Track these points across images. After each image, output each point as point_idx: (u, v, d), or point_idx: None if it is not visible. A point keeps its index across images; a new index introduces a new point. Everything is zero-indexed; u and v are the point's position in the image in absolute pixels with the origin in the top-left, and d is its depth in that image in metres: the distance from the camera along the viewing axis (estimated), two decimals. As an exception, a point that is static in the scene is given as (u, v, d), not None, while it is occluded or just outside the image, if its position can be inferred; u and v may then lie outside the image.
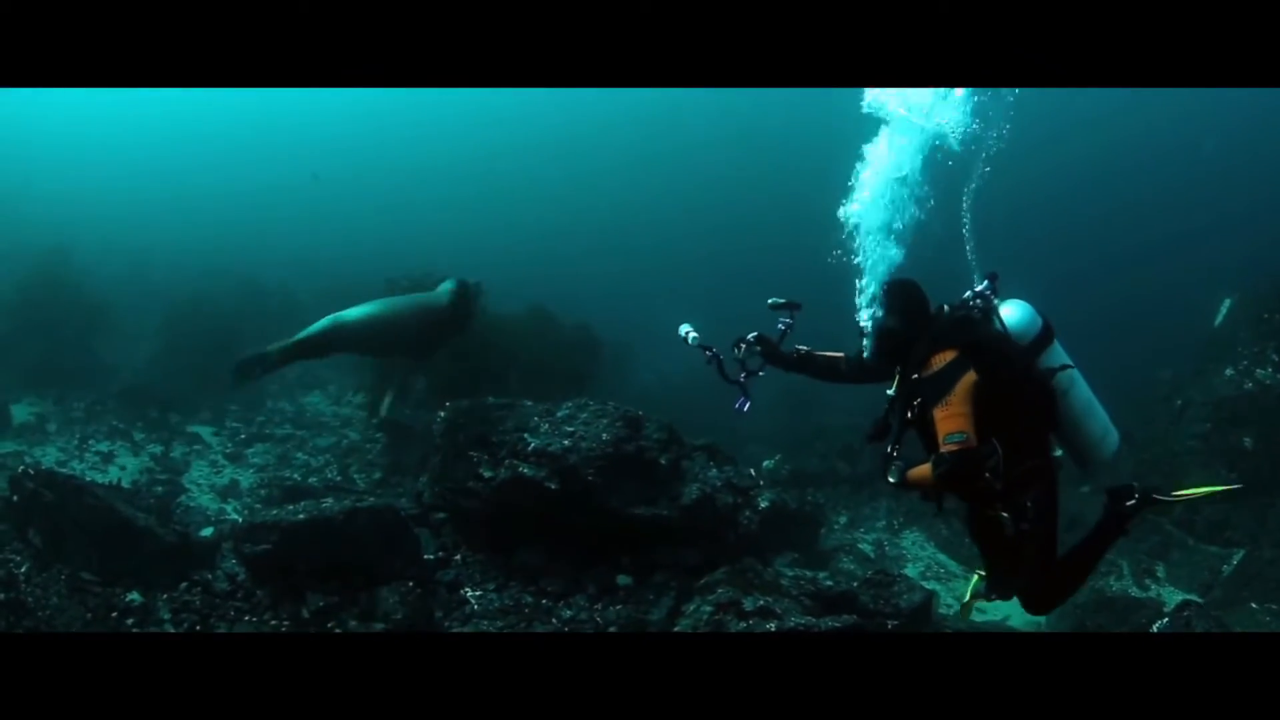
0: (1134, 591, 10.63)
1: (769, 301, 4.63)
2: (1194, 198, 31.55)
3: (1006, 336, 4.08)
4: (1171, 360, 14.47)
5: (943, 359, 3.95)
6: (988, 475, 3.86)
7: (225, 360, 14.82)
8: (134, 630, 5.82)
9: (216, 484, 11.18)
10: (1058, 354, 4.20)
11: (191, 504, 9.99)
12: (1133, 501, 4.31)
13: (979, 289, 4.23)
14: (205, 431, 12.74)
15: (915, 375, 4.01)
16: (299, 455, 12.16)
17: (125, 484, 9.99)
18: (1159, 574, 11.11)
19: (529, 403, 7.13)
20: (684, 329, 4.61)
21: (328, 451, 12.16)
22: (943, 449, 3.76)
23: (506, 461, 6.51)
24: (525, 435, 6.57)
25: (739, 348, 4.56)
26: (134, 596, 6.01)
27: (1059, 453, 4.17)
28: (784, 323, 4.61)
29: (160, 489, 10.13)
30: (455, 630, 6.18)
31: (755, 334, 4.57)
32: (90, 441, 11.52)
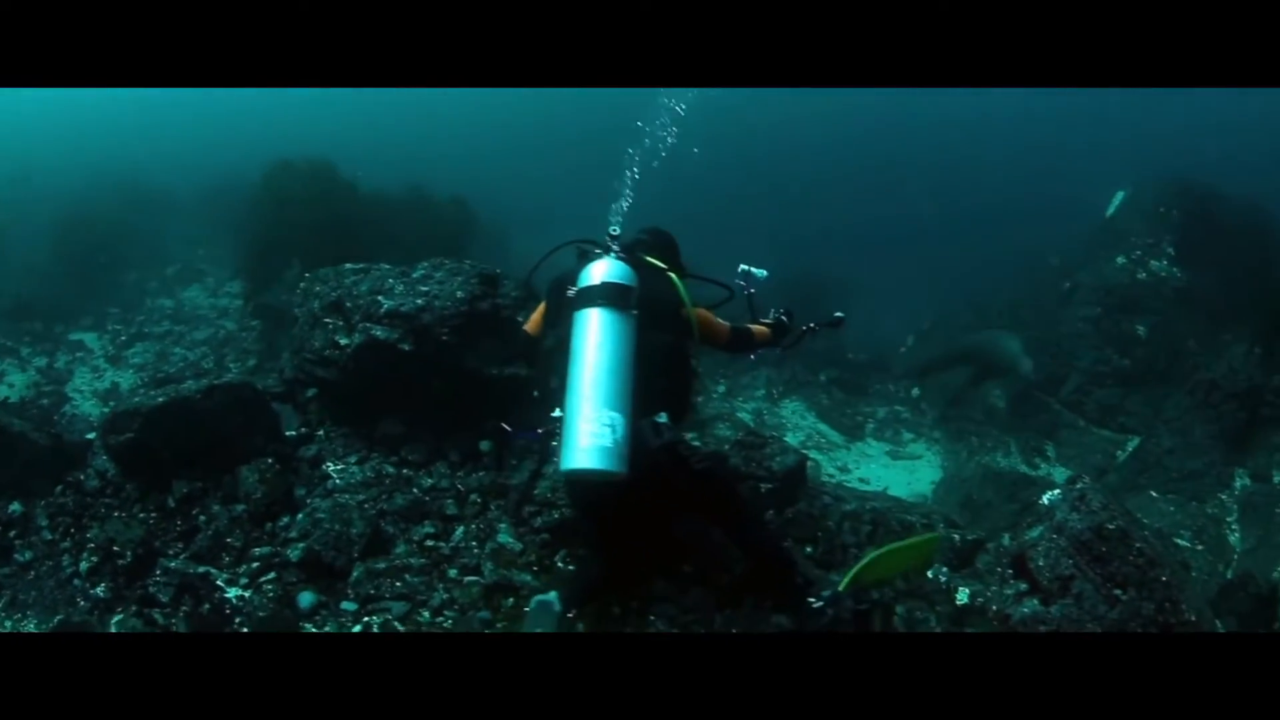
0: (1023, 469, 10.74)
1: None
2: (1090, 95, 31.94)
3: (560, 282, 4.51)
4: (1062, 248, 14.63)
5: None
6: None
7: (107, 263, 14.64)
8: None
9: (98, 389, 11.12)
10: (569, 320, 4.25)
11: (76, 412, 9.95)
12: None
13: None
14: (88, 338, 12.60)
15: None
16: (177, 350, 12.00)
17: (14, 400, 10.03)
18: (1049, 453, 11.24)
19: (386, 265, 6.78)
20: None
21: (205, 344, 11.93)
22: None
23: (360, 325, 6.18)
24: (379, 298, 6.24)
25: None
26: (15, 507, 5.88)
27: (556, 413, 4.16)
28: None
29: (45, 401, 10.10)
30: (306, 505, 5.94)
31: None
32: (-20, 362, 11.25)
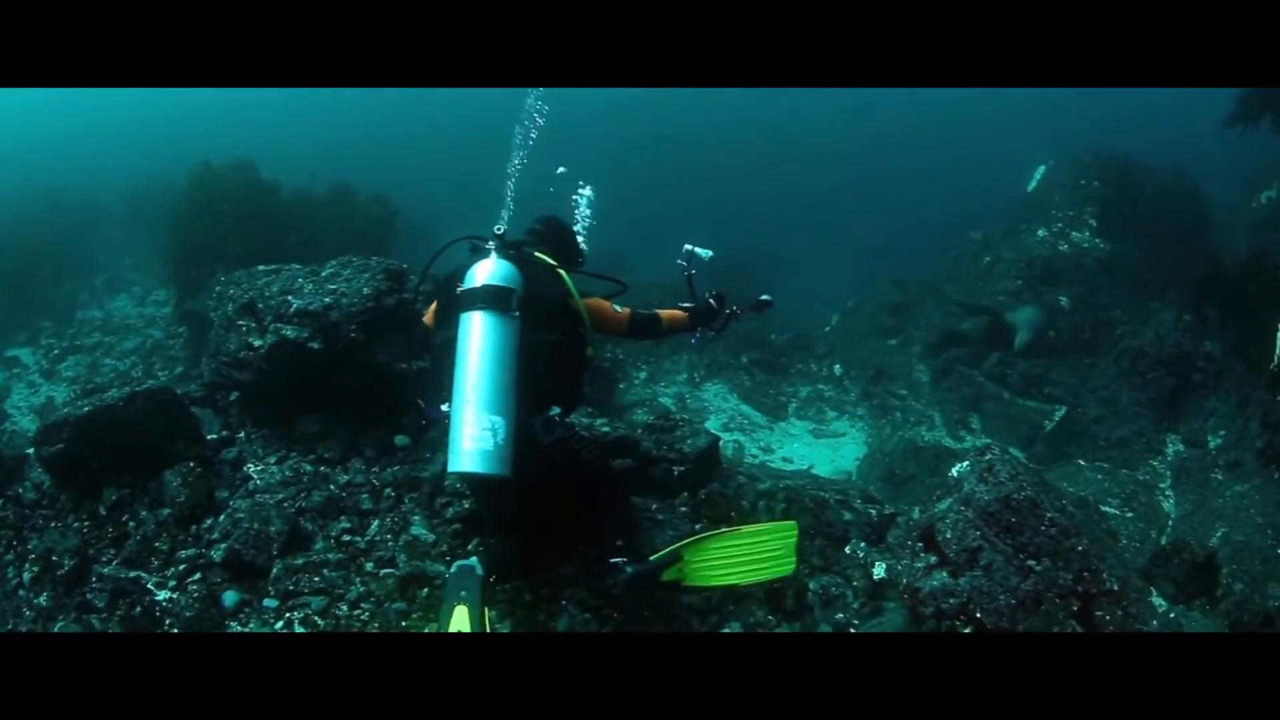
0: (948, 442, 10.81)
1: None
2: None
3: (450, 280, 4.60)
4: (983, 223, 14.75)
5: None
6: None
7: (42, 277, 14.55)
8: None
9: (35, 404, 11.13)
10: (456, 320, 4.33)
11: (15, 428, 10.04)
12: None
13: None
14: (24, 353, 12.65)
15: None
16: (107, 361, 12.04)
17: (-45, 421, 9.90)
18: (974, 425, 11.32)
19: (296, 265, 6.84)
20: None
21: (134, 353, 12.00)
22: None
23: (271, 326, 6.24)
24: (289, 297, 6.30)
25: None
26: (-41, 524, 5.94)
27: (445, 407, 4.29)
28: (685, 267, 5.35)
29: (-15, 419, 10.17)
30: (232, 495, 6.00)
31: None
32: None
